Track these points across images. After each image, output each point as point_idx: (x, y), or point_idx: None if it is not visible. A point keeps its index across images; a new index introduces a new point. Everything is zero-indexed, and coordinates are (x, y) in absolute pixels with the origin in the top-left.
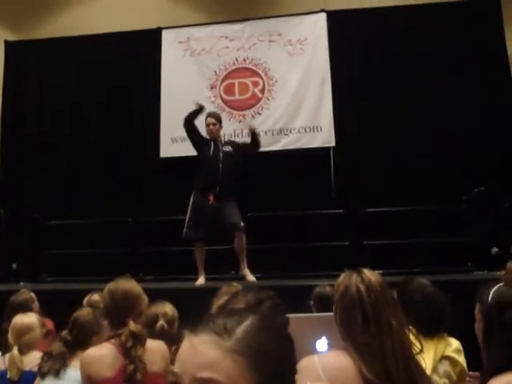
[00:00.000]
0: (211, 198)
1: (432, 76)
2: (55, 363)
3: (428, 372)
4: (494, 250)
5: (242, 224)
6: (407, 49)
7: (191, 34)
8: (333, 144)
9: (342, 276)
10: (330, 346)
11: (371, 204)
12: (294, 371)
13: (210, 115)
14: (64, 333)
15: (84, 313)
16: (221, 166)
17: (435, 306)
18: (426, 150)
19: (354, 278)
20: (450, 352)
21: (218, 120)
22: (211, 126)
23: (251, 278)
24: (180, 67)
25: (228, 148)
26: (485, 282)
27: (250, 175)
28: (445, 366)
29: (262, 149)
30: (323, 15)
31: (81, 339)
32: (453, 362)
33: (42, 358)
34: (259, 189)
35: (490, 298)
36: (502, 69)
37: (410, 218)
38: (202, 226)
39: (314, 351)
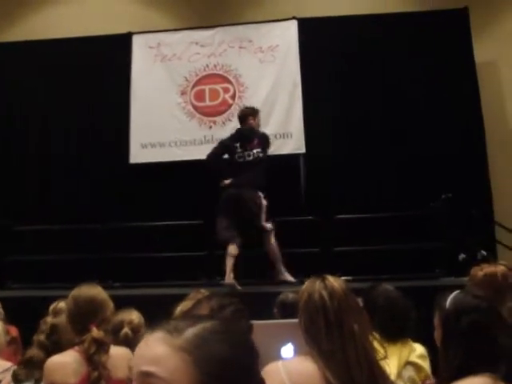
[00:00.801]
0: None
1: (401, 84)
2: (34, 370)
3: (392, 377)
4: (462, 256)
5: None
6: (377, 57)
7: (162, 40)
8: (303, 151)
9: (306, 283)
10: (296, 352)
11: (341, 211)
12: (252, 378)
13: (259, 112)
14: (41, 338)
15: (63, 318)
16: None
17: (397, 311)
18: (395, 156)
19: (318, 284)
20: (414, 358)
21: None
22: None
23: (291, 278)
24: (150, 73)
25: None
26: (450, 288)
27: (219, 180)
28: (409, 372)
29: None
30: (294, 22)
31: (60, 345)
32: (417, 367)
33: (19, 365)
34: None
35: (447, 305)
36: (470, 78)
37: (379, 224)
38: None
39: (279, 358)
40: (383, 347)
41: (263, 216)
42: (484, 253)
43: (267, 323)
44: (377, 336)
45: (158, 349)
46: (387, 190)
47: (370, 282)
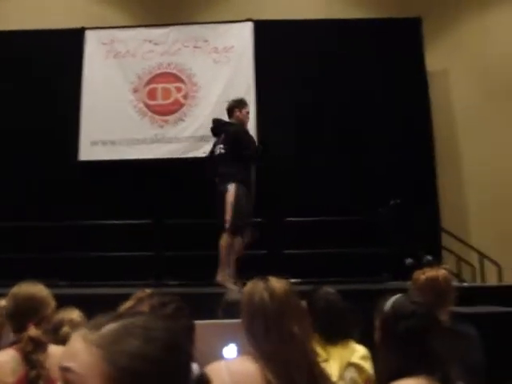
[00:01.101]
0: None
1: (355, 89)
2: None
3: (334, 379)
4: (408, 260)
5: None
6: (332, 61)
7: (115, 36)
8: None
9: (249, 284)
10: (239, 352)
11: (291, 214)
12: (176, 375)
13: (246, 104)
14: None
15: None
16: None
17: (335, 313)
18: (346, 161)
19: (259, 285)
20: (356, 359)
21: None
22: (249, 118)
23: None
24: (103, 69)
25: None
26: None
27: (171, 181)
28: (351, 373)
29: (183, 155)
30: (250, 24)
31: None
32: (359, 368)
33: None
34: (180, 195)
35: (387, 309)
36: (421, 86)
37: (328, 228)
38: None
39: (222, 357)
40: (324, 349)
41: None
42: (429, 257)
43: (210, 323)
44: (318, 338)
45: (76, 344)
46: (337, 194)
47: (317, 285)
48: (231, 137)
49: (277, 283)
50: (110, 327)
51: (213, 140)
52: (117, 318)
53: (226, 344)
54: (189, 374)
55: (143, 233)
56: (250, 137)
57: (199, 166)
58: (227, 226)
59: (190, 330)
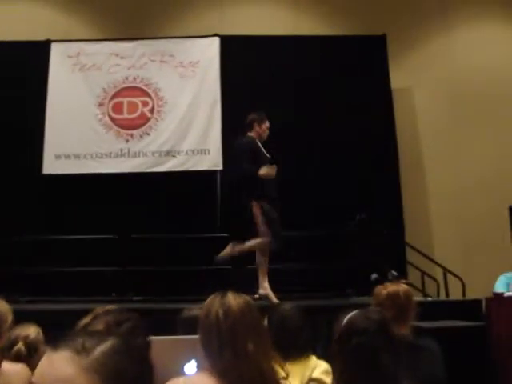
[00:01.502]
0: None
1: (320, 105)
2: None
3: None
4: (374, 276)
5: None
6: (297, 77)
7: (81, 49)
8: (220, 167)
9: (208, 299)
10: (199, 368)
11: None
12: None
13: (266, 118)
14: None
15: None
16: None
17: (290, 329)
18: (311, 176)
19: (216, 302)
20: (317, 374)
21: None
22: (268, 131)
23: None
24: (68, 82)
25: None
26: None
27: (134, 196)
28: None
29: (148, 170)
30: (216, 39)
31: None
32: (321, 383)
33: None
34: (144, 210)
35: (342, 324)
36: (386, 103)
37: (294, 243)
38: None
39: (182, 374)
40: (282, 366)
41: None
42: (395, 273)
43: (171, 339)
44: (276, 355)
45: (66, 369)
46: (303, 209)
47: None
48: (239, 149)
49: (233, 300)
50: (100, 350)
51: (179, 155)
52: (100, 341)
53: (187, 360)
54: None
55: (107, 248)
56: (260, 153)
57: (164, 180)
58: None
59: (146, 348)
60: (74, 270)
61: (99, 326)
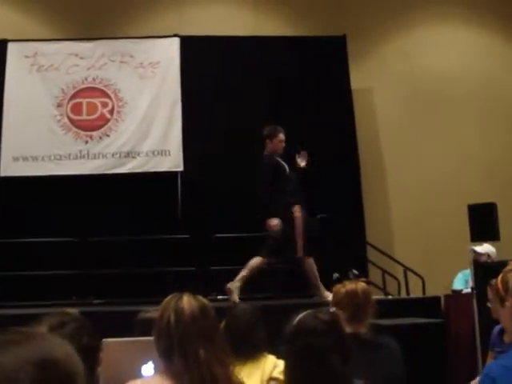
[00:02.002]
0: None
1: (280, 106)
2: None
3: None
4: (335, 275)
5: None
6: (258, 77)
7: (39, 49)
8: (181, 168)
9: (164, 301)
10: (155, 370)
11: (218, 229)
12: None
13: (281, 130)
14: None
15: None
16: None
17: (241, 328)
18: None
19: (170, 306)
20: (276, 374)
21: None
22: (283, 144)
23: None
24: (25, 83)
25: (302, 163)
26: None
27: (94, 198)
28: None
29: (108, 171)
30: (176, 40)
31: None
32: (280, 383)
33: None
34: (104, 212)
35: (293, 323)
36: (346, 103)
37: (255, 243)
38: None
39: (140, 376)
40: (243, 366)
41: None
42: (356, 272)
43: (123, 341)
44: (233, 360)
45: None
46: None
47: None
48: (259, 171)
49: (188, 304)
50: None
51: (139, 156)
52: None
53: (144, 362)
54: None
55: (67, 251)
56: (279, 169)
57: (124, 182)
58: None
59: (93, 349)
60: (33, 274)
61: (42, 327)
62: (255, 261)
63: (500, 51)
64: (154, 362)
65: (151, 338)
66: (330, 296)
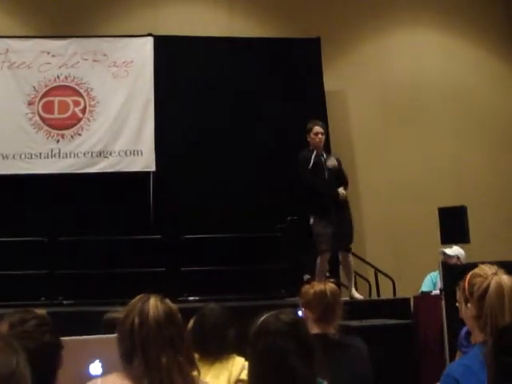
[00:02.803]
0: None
1: (254, 107)
2: None
3: None
4: (306, 277)
5: None
6: (232, 78)
7: (10, 46)
8: (153, 169)
9: (131, 302)
10: (108, 369)
11: (190, 230)
12: None
13: (317, 123)
14: None
15: None
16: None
17: (207, 328)
18: (245, 177)
19: (136, 308)
20: (244, 375)
21: (325, 129)
22: (320, 136)
23: (358, 295)
24: None
25: (332, 161)
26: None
27: (65, 198)
28: None
29: (79, 171)
30: (150, 39)
31: None
32: None
33: None
34: (75, 212)
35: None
36: (320, 105)
37: (227, 245)
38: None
39: (88, 375)
40: (211, 367)
41: None
42: (327, 274)
43: (72, 340)
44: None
45: None
46: (236, 210)
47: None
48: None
49: (153, 308)
50: None
51: (111, 156)
52: None
53: (91, 361)
54: None
55: (37, 250)
56: (308, 162)
57: (95, 182)
58: None
59: (55, 346)
60: (2, 274)
61: (3, 325)
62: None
63: (472, 56)
64: (100, 361)
65: (98, 337)
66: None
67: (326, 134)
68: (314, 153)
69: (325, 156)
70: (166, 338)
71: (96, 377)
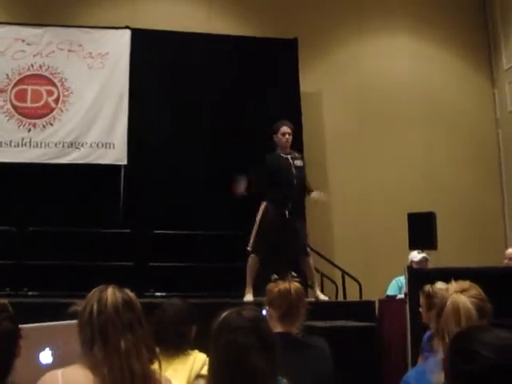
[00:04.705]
0: (286, 212)
1: (229, 105)
2: None
3: None
4: (274, 276)
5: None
6: (207, 75)
7: None
8: (124, 162)
9: (92, 291)
10: (58, 357)
11: (159, 225)
12: None
13: (284, 124)
14: None
15: None
16: (295, 181)
17: (166, 321)
18: (219, 173)
19: (95, 295)
20: (205, 371)
21: (292, 130)
22: (287, 136)
23: (323, 297)
24: None
25: (299, 162)
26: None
27: (34, 188)
28: None
29: (50, 161)
30: (128, 32)
31: None
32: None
33: None
34: (44, 202)
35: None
36: (295, 106)
37: (195, 241)
38: (270, 240)
39: (39, 363)
40: (171, 361)
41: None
42: (294, 274)
43: (26, 327)
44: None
45: None
46: (207, 207)
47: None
48: None
49: (111, 295)
50: None
51: (83, 147)
52: None
53: (41, 349)
54: None
55: (3, 240)
56: (273, 162)
57: (66, 172)
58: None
59: (13, 334)
60: None
61: None
62: None
63: (443, 60)
64: (51, 349)
65: (48, 324)
66: None
67: (299, 134)
68: (280, 152)
69: (293, 155)
70: (125, 323)
71: (47, 365)
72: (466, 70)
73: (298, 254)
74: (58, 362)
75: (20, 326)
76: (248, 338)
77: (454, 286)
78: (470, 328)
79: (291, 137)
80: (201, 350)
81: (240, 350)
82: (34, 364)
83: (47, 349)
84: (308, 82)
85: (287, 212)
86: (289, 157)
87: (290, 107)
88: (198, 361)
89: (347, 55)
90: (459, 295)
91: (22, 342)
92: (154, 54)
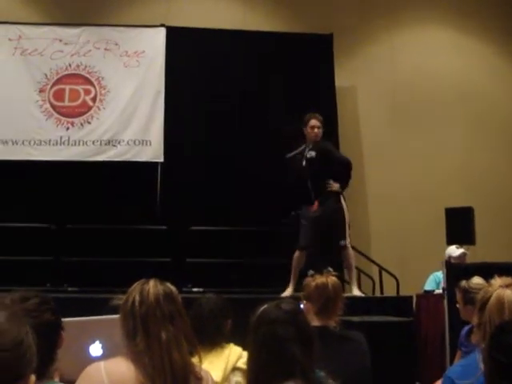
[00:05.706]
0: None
1: (263, 101)
2: None
3: (219, 381)
4: (310, 272)
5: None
6: (243, 72)
7: (23, 33)
8: (161, 159)
9: (134, 284)
10: (108, 350)
11: (196, 222)
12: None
13: (313, 116)
14: None
15: None
16: (306, 173)
17: (203, 316)
18: (252, 171)
19: (137, 288)
20: (241, 363)
21: (321, 122)
22: (316, 130)
23: (358, 293)
24: (8, 66)
25: (311, 153)
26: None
27: (73, 185)
28: (236, 377)
29: (88, 159)
30: (163, 30)
31: None
32: (244, 372)
33: None
34: (83, 200)
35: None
36: (330, 101)
37: (232, 237)
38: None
39: (89, 356)
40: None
41: None
42: (330, 269)
43: (73, 321)
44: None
45: None
46: (243, 204)
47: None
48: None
49: (153, 287)
50: None
51: (120, 145)
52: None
53: (91, 342)
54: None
55: (44, 237)
56: (299, 157)
57: (104, 170)
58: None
59: (55, 325)
60: (8, 259)
61: (5, 302)
62: None
63: (484, 55)
64: (100, 342)
65: (98, 318)
66: None
67: (335, 129)
68: (304, 146)
69: (311, 146)
70: (166, 314)
71: (96, 358)
72: (505, 62)
73: (334, 248)
74: (108, 355)
75: (68, 319)
76: (287, 330)
77: (498, 280)
78: (510, 321)
79: (321, 130)
80: (236, 344)
81: (279, 341)
82: (83, 356)
83: (97, 341)
84: (343, 77)
85: (317, 204)
86: (306, 149)
87: (326, 102)
88: (233, 354)
89: (381, 50)
90: (504, 290)
91: (70, 334)
92: (189, 52)
